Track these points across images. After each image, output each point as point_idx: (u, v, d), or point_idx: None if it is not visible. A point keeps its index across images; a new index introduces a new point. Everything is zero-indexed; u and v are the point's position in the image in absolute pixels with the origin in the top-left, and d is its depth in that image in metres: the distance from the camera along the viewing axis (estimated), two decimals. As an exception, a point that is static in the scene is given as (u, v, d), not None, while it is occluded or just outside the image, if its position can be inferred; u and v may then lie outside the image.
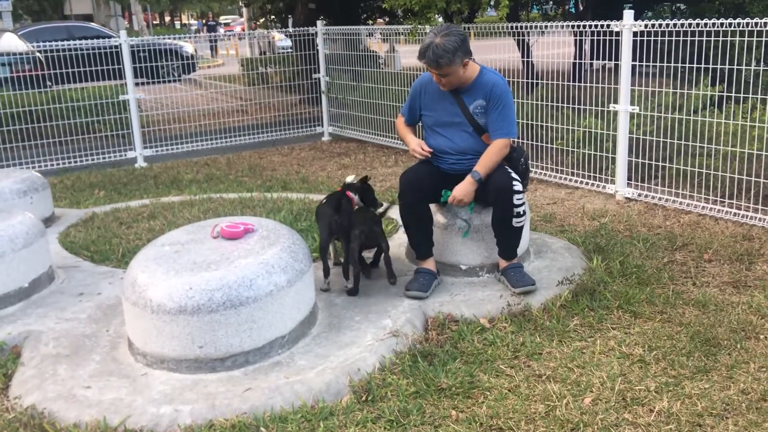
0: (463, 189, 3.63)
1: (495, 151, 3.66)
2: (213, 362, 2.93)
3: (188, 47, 15.58)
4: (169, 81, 13.14)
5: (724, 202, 5.03)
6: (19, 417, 2.74)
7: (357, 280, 3.67)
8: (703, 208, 5.07)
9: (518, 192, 3.61)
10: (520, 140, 6.36)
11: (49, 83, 8.41)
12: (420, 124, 4.00)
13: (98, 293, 3.87)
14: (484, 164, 3.64)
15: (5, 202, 4.82)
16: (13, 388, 2.96)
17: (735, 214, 4.88)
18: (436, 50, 3.49)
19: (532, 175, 6.26)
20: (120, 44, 7.72)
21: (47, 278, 3.97)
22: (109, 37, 8.31)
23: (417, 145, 3.82)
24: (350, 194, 3.90)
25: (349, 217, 3.70)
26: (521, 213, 3.64)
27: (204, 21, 33.31)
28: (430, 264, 3.80)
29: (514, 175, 3.66)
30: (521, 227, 3.69)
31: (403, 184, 3.74)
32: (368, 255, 4.05)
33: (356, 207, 3.91)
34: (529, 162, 3.99)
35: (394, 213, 4.41)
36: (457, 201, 3.65)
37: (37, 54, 8.56)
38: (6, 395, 2.94)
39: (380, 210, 4.04)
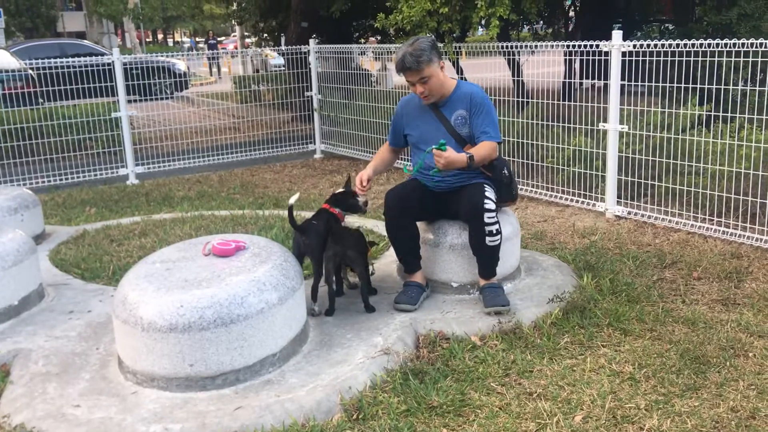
0: (454, 157, 3.53)
1: (486, 146, 3.67)
2: (203, 380, 2.92)
3: (180, 65, 15.63)
4: (162, 98, 13.17)
5: (713, 220, 5.07)
6: (7, 436, 2.72)
7: (332, 300, 3.66)
8: (692, 226, 5.10)
9: (489, 210, 3.59)
10: (511, 158, 6.40)
11: (41, 100, 8.42)
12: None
13: (88, 311, 3.85)
14: (477, 152, 3.62)
15: (-4, 219, 4.81)
16: (2, 406, 2.94)
17: (723, 233, 4.92)
18: (413, 53, 3.59)
19: (523, 192, 6.30)
20: (113, 62, 7.74)
21: (37, 296, 3.96)
22: (102, 54, 8.36)
23: (359, 177, 3.82)
24: (335, 210, 3.90)
25: (323, 237, 3.64)
26: (494, 232, 3.61)
27: (204, 39, 33.22)
28: (418, 277, 3.84)
29: (488, 193, 3.64)
30: (495, 246, 3.66)
31: (388, 200, 3.79)
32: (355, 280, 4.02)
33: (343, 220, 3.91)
34: (514, 175, 3.96)
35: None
36: (443, 160, 3.50)
37: (30, 71, 8.56)
38: (-6, 414, 2.92)
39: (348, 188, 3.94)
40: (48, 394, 2.96)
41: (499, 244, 3.68)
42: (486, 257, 3.70)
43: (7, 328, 3.64)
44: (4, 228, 4.05)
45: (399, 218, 3.77)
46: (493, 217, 3.61)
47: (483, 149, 3.66)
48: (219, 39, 36.04)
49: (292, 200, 3.70)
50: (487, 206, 3.60)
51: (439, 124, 3.77)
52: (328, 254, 3.60)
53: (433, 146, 3.54)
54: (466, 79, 8.15)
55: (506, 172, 3.83)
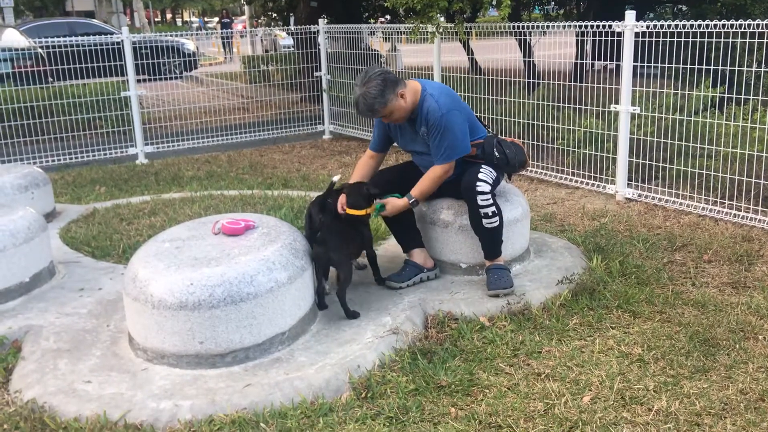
0: (395, 206, 3.61)
1: (431, 176, 3.62)
2: (213, 358, 2.93)
3: (190, 44, 15.59)
4: (171, 78, 13.14)
5: (724, 203, 5.04)
6: (19, 411, 2.75)
7: (320, 295, 3.46)
8: (703, 209, 5.07)
9: (483, 193, 3.55)
10: (520, 140, 6.36)
11: (50, 79, 8.42)
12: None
13: (99, 288, 3.88)
14: (419, 189, 3.63)
15: (6, 197, 4.83)
16: (14, 382, 2.97)
17: (735, 216, 4.89)
18: (366, 100, 3.46)
19: (532, 174, 6.28)
20: (122, 41, 7.73)
21: (48, 273, 3.98)
22: (111, 33, 8.35)
23: (339, 203, 3.60)
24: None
25: (335, 217, 3.55)
26: (489, 214, 3.58)
27: (218, 18, 32.24)
28: (414, 256, 3.85)
29: (482, 175, 3.59)
30: (493, 228, 3.62)
31: (375, 180, 3.80)
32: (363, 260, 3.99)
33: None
34: (515, 150, 3.82)
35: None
36: (388, 210, 3.63)
37: (39, 50, 8.56)
38: (6, 389, 2.95)
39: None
40: (59, 370, 2.98)
41: (498, 226, 3.63)
42: (486, 239, 3.68)
43: (18, 305, 3.66)
44: (15, 206, 4.07)
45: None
46: (487, 200, 3.57)
47: (426, 181, 3.63)
48: (233, 18, 35.28)
49: (335, 178, 3.66)
50: (479, 188, 3.56)
51: (416, 136, 3.71)
52: (312, 255, 3.41)
53: (377, 206, 3.61)
54: (474, 60, 8.10)
55: (497, 153, 3.71)
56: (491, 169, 3.69)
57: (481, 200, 3.56)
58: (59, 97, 7.98)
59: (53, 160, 7.58)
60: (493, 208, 3.59)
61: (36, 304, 3.67)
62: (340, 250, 3.44)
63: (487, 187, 3.58)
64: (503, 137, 3.87)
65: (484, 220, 3.59)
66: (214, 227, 3.35)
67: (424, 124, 3.59)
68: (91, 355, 3.11)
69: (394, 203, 3.62)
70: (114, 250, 4.51)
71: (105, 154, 7.82)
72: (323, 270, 3.47)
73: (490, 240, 3.69)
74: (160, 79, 10.23)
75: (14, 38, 12.32)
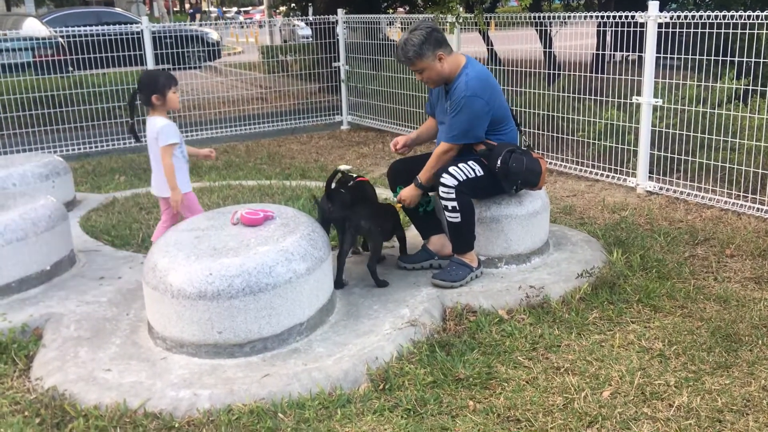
0: (408, 193, 3.70)
1: (434, 156, 3.67)
2: (232, 348, 2.94)
3: (213, 34, 15.61)
4: (191, 68, 13.16)
5: (747, 197, 4.97)
6: (40, 398, 2.77)
7: (340, 272, 3.60)
8: (726, 202, 5.01)
9: (444, 185, 3.53)
10: (541, 131, 6.31)
11: (70, 68, 8.46)
12: None
13: (118, 277, 3.90)
14: (424, 169, 3.67)
15: (28, 185, 4.87)
16: (35, 369, 3.00)
17: (758, 210, 4.82)
18: (405, 46, 3.54)
19: (552, 166, 6.22)
20: (142, 30, 7.75)
21: (69, 262, 4.01)
22: (137, 22, 8.32)
23: (395, 140, 3.93)
24: (365, 177, 3.89)
25: (348, 206, 3.61)
26: (450, 208, 3.55)
27: (191, 4, 29.71)
28: (431, 243, 3.91)
29: (453, 169, 3.55)
30: (456, 224, 3.59)
31: (388, 172, 3.98)
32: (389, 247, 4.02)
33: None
34: (527, 170, 3.65)
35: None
36: (402, 201, 3.71)
37: (59, 39, 8.61)
38: (28, 376, 2.98)
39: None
40: (79, 358, 3.00)
41: (460, 223, 3.58)
42: (449, 230, 3.69)
43: (39, 293, 3.70)
44: (36, 194, 4.10)
45: (395, 189, 3.84)
46: (449, 193, 3.54)
47: (430, 160, 3.67)
48: (200, 7, 32.12)
49: (342, 167, 3.68)
50: (442, 180, 3.55)
51: (446, 108, 3.72)
52: (345, 226, 3.59)
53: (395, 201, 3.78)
54: (494, 51, 8.04)
55: (500, 162, 3.57)
56: (475, 168, 3.62)
57: (442, 192, 3.57)
58: (79, 87, 8.02)
59: (73, 149, 7.63)
60: (454, 204, 3.55)
61: (57, 292, 3.70)
62: (372, 219, 3.59)
63: (451, 181, 3.54)
64: (534, 153, 3.76)
65: (445, 212, 3.60)
66: (233, 217, 3.36)
67: (450, 99, 3.62)
68: (111, 344, 3.13)
69: (406, 191, 3.72)
70: (133, 239, 4.53)
71: (125, 143, 7.85)
72: (351, 243, 3.61)
73: (453, 233, 3.67)
74: (184, 68, 10.22)
75: (35, 27, 12.40)
